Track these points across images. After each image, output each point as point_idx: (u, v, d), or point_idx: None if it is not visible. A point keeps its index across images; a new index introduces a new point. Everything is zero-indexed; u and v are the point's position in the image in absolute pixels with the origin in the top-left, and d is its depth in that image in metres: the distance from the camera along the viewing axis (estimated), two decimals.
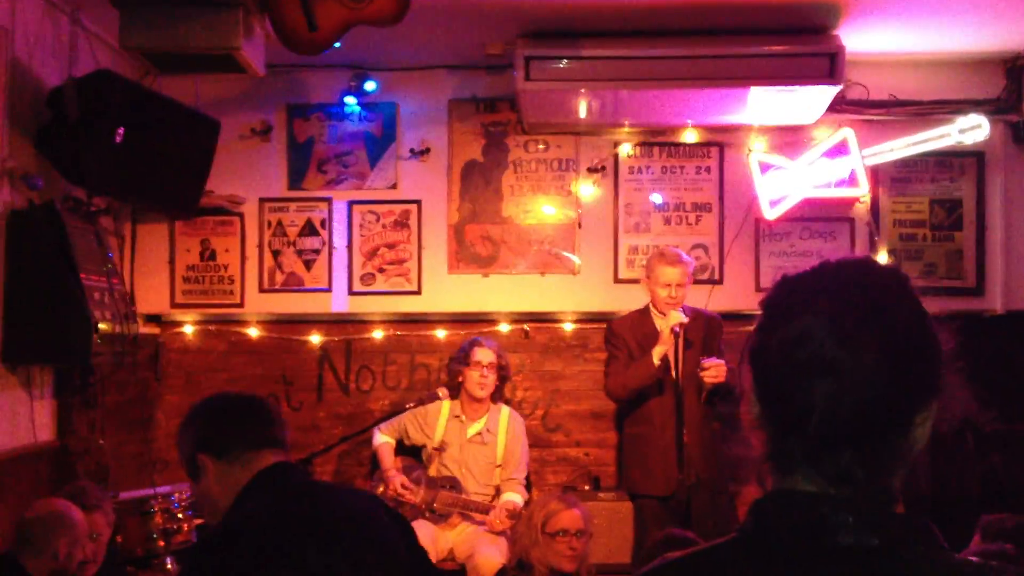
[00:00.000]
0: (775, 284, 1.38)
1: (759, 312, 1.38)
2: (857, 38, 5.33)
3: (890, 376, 1.24)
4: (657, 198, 5.99)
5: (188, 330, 6.12)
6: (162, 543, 4.76)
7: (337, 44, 4.44)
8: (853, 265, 1.36)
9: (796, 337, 1.27)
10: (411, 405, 5.31)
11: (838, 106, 5.70)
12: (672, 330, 4.94)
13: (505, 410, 5.59)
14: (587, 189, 6.00)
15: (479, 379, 5.41)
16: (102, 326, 4.61)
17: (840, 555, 1.23)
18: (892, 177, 5.98)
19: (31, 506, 3.86)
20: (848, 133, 5.69)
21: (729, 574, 1.31)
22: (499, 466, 5.50)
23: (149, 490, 5.01)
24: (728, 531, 4.39)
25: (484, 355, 5.41)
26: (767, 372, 1.32)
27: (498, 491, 5.47)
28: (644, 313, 5.27)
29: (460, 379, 5.47)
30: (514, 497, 5.39)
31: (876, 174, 5.88)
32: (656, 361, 5.00)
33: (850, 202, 5.89)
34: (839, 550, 1.23)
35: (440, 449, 5.47)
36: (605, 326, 5.88)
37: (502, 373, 5.51)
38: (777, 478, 1.33)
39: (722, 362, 4.97)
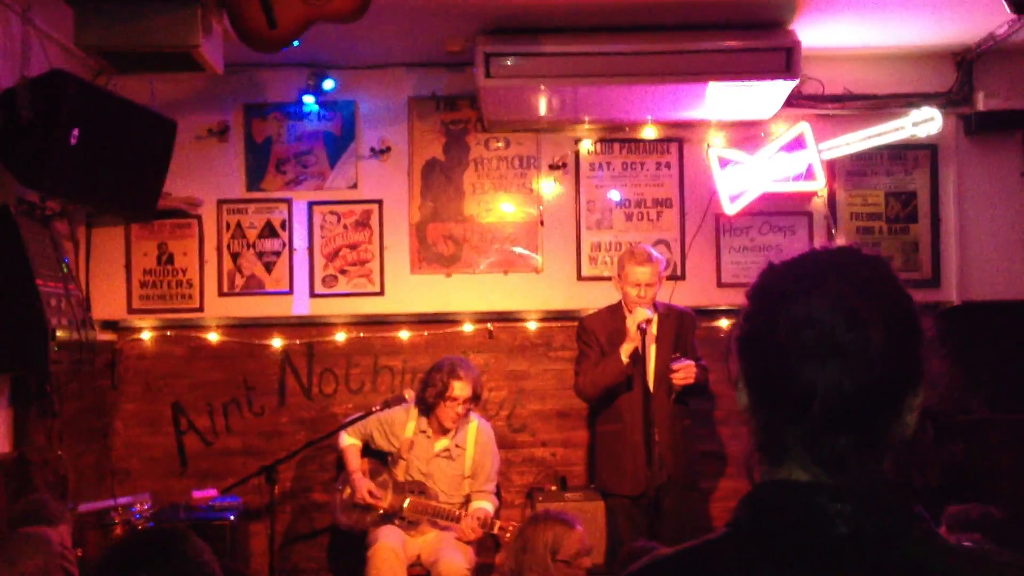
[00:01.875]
0: (762, 272, 1.37)
1: (745, 301, 1.37)
2: (812, 33, 5.37)
3: (892, 358, 1.25)
4: (615, 195, 6.00)
5: (146, 336, 6.02)
6: None
7: (296, 42, 4.38)
8: (845, 251, 1.36)
9: (803, 319, 1.26)
10: (377, 408, 5.23)
11: (794, 101, 5.74)
12: (638, 326, 4.92)
13: (474, 423, 5.46)
14: (548, 186, 5.99)
15: (453, 414, 5.29)
16: (59, 333, 4.52)
17: (839, 544, 1.22)
18: (848, 171, 6.05)
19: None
20: (805, 127, 5.75)
21: (725, 568, 1.29)
22: (468, 477, 5.41)
23: (109, 501, 4.92)
24: (700, 528, 4.45)
25: (462, 390, 5.23)
26: (765, 357, 1.30)
27: (467, 500, 5.39)
28: (616, 309, 5.23)
29: (432, 404, 5.31)
30: (485, 505, 5.32)
31: (832, 168, 5.94)
32: (624, 358, 4.97)
33: (808, 196, 5.95)
34: (838, 539, 1.22)
35: (404, 457, 5.39)
36: (569, 324, 5.90)
37: (476, 400, 5.39)
38: (768, 469, 1.32)
39: (691, 363, 4.95)
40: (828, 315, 1.24)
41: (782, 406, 1.28)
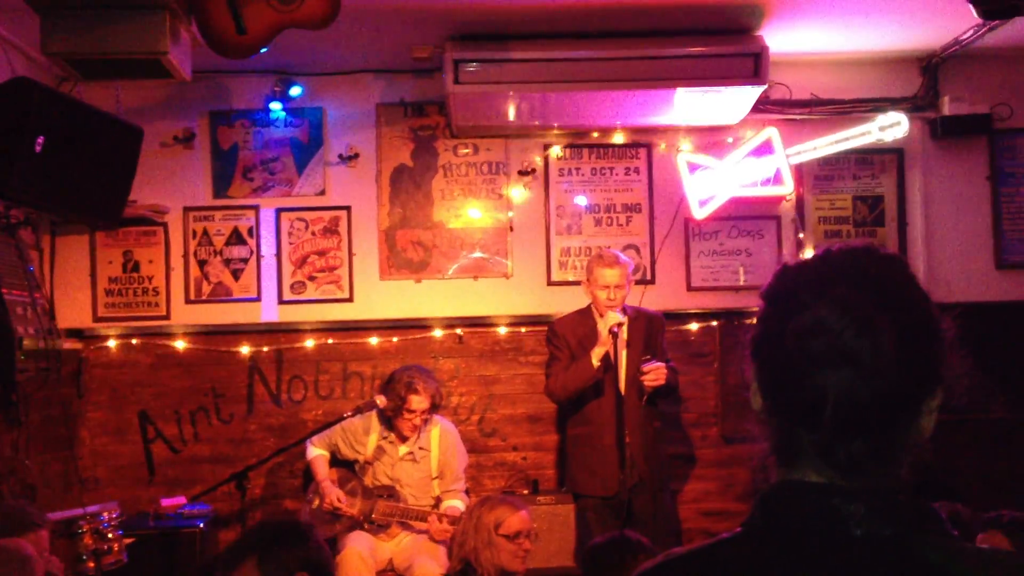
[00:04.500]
0: (776, 274, 1.36)
1: (760, 303, 1.35)
2: (779, 39, 5.41)
3: (904, 363, 1.23)
4: (582, 200, 6.01)
5: (112, 344, 5.96)
6: (92, 564, 4.62)
7: (265, 48, 4.35)
8: (859, 252, 1.33)
9: (810, 327, 1.24)
10: (349, 414, 5.26)
11: (762, 106, 5.78)
12: (610, 330, 4.93)
13: (437, 424, 5.48)
14: (518, 192, 5.99)
15: (411, 425, 5.31)
16: (25, 342, 4.47)
17: (853, 546, 1.21)
18: (815, 175, 6.09)
19: None
20: (772, 132, 5.78)
21: (739, 567, 1.28)
22: (436, 478, 5.42)
23: (78, 510, 4.86)
24: (670, 530, 4.43)
25: (419, 404, 5.23)
26: (777, 363, 1.29)
27: (438, 502, 5.40)
28: (585, 313, 5.26)
29: (391, 417, 5.32)
30: (456, 503, 5.34)
31: (800, 172, 5.98)
32: (595, 362, 4.98)
33: (776, 200, 5.98)
34: (852, 541, 1.22)
35: (371, 462, 5.39)
36: (539, 329, 5.90)
37: (434, 410, 5.38)
38: (783, 470, 1.31)
39: (661, 364, 4.97)
40: (837, 322, 1.23)
41: (794, 411, 1.27)
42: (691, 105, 5.56)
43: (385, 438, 5.39)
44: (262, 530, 2.87)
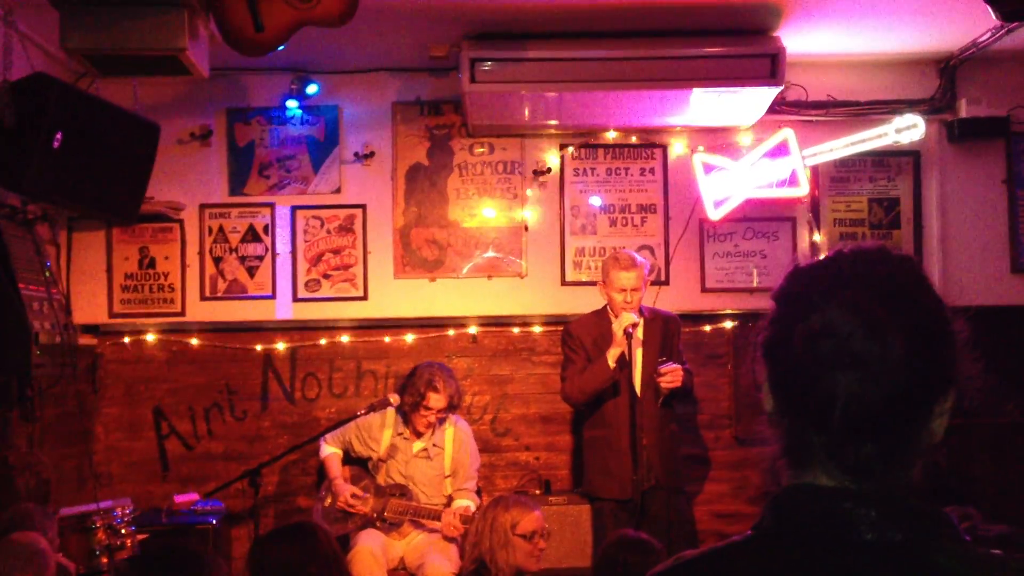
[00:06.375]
0: (787, 275, 1.35)
1: (772, 304, 1.35)
2: (796, 39, 5.39)
3: (914, 367, 1.22)
4: (597, 200, 6.00)
5: (127, 340, 5.98)
6: (105, 560, 4.64)
7: (282, 46, 4.36)
8: (870, 254, 1.32)
9: (820, 330, 1.24)
10: (362, 412, 5.26)
11: (778, 107, 5.77)
12: (625, 331, 4.92)
13: (451, 422, 5.49)
14: (533, 192, 5.99)
15: (426, 422, 5.32)
16: (42, 337, 4.49)
17: (864, 550, 1.21)
18: (831, 177, 6.07)
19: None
20: (788, 134, 5.75)
21: (749, 572, 1.28)
22: (448, 476, 5.43)
23: (91, 505, 4.89)
24: (685, 532, 4.41)
25: (437, 402, 5.24)
26: (787, 365, 1.29)
27: (450, 500, 5.41)
28: (601, 314, 5.24)
29: (408, 412, 5.33)
30: (466, 502, 5.34)
31: (816, 174, 5.96)
32: (611, 363, 4.97)
33: (791, 202, 5.96)
34: (862, 545, 1.21)
35: (384, 460, 5.40)
36: (553, 329, 5.90)
37: (452, 409, 5.38)
38: (794, 473, 1.30)
39: (678, 366, 4.96)
40: (846, 325, 1.23)
41: (805, 413, 1.27)
42: (707, 106, 5.55)
43: (400, 434, 5.40)
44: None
